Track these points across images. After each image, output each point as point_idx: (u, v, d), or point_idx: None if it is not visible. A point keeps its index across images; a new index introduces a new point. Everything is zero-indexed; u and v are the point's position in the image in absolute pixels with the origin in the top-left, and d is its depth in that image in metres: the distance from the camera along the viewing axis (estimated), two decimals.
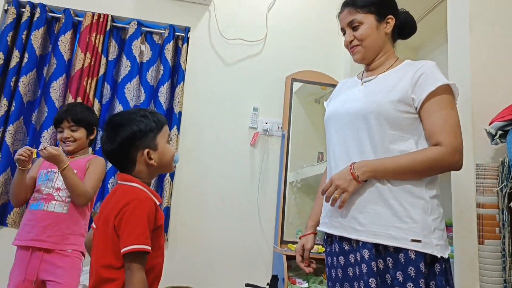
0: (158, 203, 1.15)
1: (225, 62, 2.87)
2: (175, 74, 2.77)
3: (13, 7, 2.61)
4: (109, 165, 2.36)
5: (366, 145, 1.22)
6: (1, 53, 2.51)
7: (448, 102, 1.19)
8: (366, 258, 1.14)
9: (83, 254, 1.77)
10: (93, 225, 1.21)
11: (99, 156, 1.94)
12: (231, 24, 2.91)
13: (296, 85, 2.89)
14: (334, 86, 2.86)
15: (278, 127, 2.82)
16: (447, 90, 1.19)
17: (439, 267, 1.12)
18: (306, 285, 2.32)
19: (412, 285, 1.09)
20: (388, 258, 1.14)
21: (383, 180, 1.18)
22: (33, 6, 2.64)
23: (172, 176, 2.57)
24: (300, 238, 1.48)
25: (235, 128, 2.79)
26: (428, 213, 1.14)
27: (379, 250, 1.15)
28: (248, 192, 2.71)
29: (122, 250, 1.03)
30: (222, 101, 2.81)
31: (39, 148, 1.69)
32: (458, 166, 1.17)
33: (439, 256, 1.11)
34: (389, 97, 1.21)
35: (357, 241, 1.18)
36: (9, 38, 2.54)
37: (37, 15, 2.61)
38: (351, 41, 1.34)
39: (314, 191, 2.82)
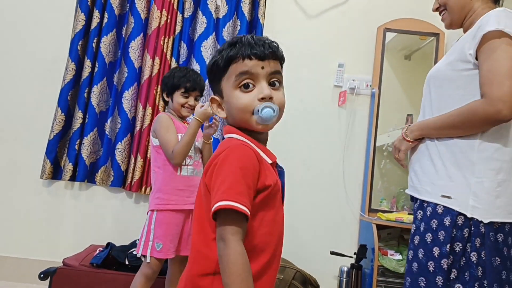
0: (270, 161, 0.89)
1: (307, 14, 2.61)
2: (253, 30, 2.58)
3: None
4: None
5: (427, 110, 1.24)
6: (83, 14, 2.50)
7: (496, 47, 1.05)
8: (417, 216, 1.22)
9: None
10: None
11: None
12: None
13: (386, 39, 2.56)
14: (436, 35, 2.50)
15: (367, 85, 2.54)
16: (498, 35, 1.05)
17: (476, 231, 1.06)
18: (400, 257, 2.11)
19: (430, 236, 1.11)
20: (426, 213, 1.15)
21: (433, 138, 1.18)
22: None
23: None
24: None
25: (318, 87, 2.57)
26: (474, 174, 1.09)
27: (423, 207, 1.17)
28: (332, 156, 2.51)
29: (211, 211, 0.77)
30: (304, 58, 2.58)
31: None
32: (499, 117, 1.04)
33: (469, 216, 1.07)
34: (447, 59, 1.19)
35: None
36: None
37: None
38: (437, 8, 1.29)
39: (406, 157, 2.55)
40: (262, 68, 0.85)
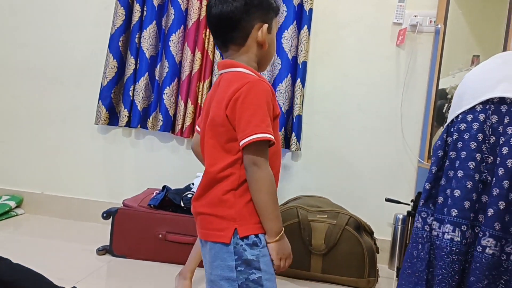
0: None
1: None
2: None
3: None
4: None
5: None
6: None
7: None
8: None
9: None
10: (197, 128, 1.08)
11: None
12: None
13: None
14: None
15: (431, 21, 2.31)
16: None
17: None
18: None
19: None
20: None
21: None
22: None
23: (303, 82, 2.35)
24: None
25: (375, 25, 2.37)
26: None
27: None
28: (390, 100, 2.36)
29: (240, 143, 0.88)
30: None
31: None
32: None
33: None
34: None
35: None
36: None
37: None
38: None
39: None
40: None
